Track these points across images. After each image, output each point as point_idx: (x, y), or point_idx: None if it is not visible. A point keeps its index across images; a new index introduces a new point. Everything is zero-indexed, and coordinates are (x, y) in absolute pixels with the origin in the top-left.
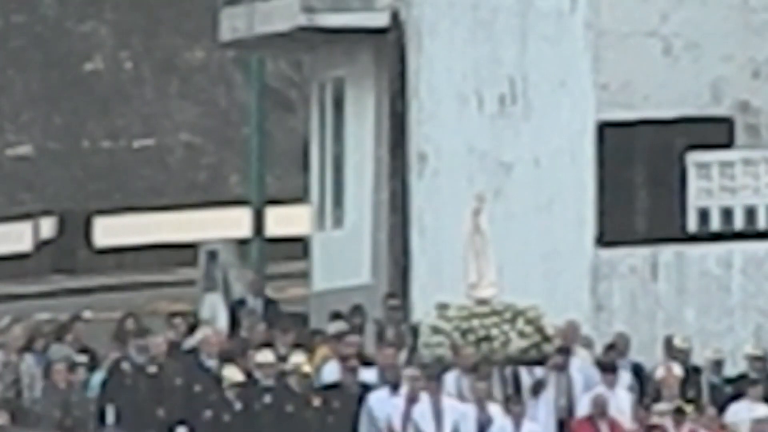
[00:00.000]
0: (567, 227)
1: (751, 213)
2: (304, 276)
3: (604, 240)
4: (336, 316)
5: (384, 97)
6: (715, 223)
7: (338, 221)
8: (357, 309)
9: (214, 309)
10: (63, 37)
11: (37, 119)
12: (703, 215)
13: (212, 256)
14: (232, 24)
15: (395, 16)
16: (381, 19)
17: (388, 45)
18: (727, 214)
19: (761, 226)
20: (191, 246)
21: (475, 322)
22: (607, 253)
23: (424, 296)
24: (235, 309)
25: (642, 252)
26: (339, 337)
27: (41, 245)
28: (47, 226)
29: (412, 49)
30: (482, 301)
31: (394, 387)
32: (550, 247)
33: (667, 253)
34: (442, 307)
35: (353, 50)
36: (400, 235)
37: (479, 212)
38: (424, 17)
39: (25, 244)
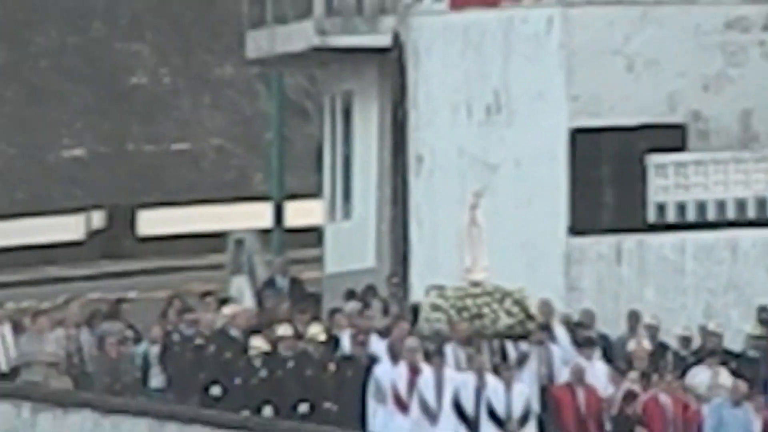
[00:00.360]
0: (543, 219)
1: (702, 207)
2: (318, 261)
3: (575, 230)
4: (351, 295)
5: (386, 107)
6: (671, 216)
7: (347, 214)
8: (370, 288)
9: (241, 289)
10: (110, 56)
11: (89, 126)
12: (661, 209)
13: (239, 243)
14: (256, 44)
15: (396, 38)
16: (384, 40)
17: (391, 62)
18: (682, 208)
19: (711, 218)
20: (221, 235)
21: (469, 302)
22: (577, 241)
23: (421, 278)
24: (263, 289)
25: (608, 240)
26: (357, 313)
27: (92, 234)
28: (97, 218)
29: (411, 65)
30: (475, 284)
31: (395, 357)
32: (529, 236)
33: (629, 241)
34: (440, 287)
35: (360, 67)
36: (400, 226)
37: (476, 207)
38: (421, 38)
39: (79, 234)
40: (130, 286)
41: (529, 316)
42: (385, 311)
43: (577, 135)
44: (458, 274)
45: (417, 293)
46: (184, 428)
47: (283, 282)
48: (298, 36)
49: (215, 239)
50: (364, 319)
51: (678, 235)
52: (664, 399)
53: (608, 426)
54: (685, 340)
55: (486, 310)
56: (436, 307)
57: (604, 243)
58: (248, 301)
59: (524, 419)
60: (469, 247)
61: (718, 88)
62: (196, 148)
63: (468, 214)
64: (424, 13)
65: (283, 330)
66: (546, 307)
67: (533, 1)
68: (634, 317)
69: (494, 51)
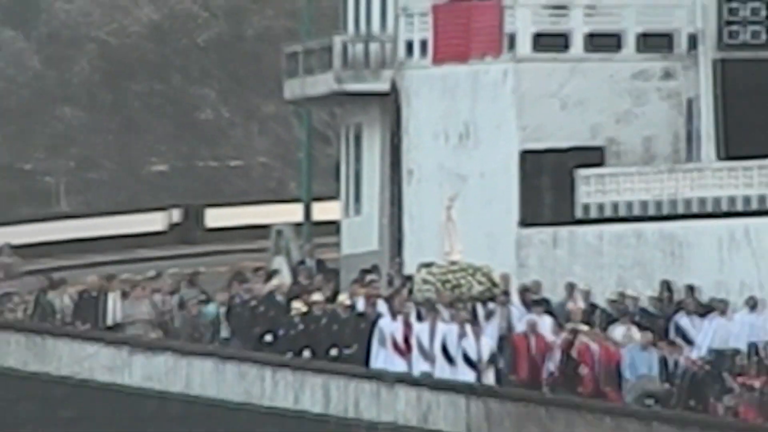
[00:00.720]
0: (501, 215)
1: (615, 206)
2: (336, 245)
3: (523, 223)
4: (365, 271)
5: (386, 134)
6: (593, 213)
7: (358, 211)
8: (375, 267)
9: (280, 266)
10: (185, 98)
11: (169, 148)
12: (586, 208)
13: (279, 233)
14: (291, 89)
15: (393, 85)
16: (384, 87)
17: (389, 102)
18: (601, 207)
19: (621, 214)
20: (265, 227)
21: (450, 276)
22: (526, 231)
23: (412, 257)
24: (297, 266)
25: (547, 230)
26: (369, 283)
27: (172, 227)
28: (175, 215)
29: (404, 105)
30: (453, 263)
31: (394, 315)
32: (491, 228)
33: (563, 231)
34: (429, 265)
35: (367, 106)
36: (396, 220)
37: (450, 207)
38: (411, 85)
39: (162, 226)
40: (199, 264)
41: (494, 285)
42: (390, 283)
43: (525, 155)
44: (439, 255)
45: (409, 268)
46: (241, 366)
47: (311, 262)
48: (322, 83)
49: (261, 230)
50: (374, 289)
51: (598, 226)
52: (593, 345)
53: (552, 365)
54: (613, 302)
55: (462, 281)
56: (426, 281)
57: (545, 232)
58: (285, 275)
59: (489, 362)
60: (447, 236)
61: (627, 121)
62: (247, 164)
63: (445, 213)
64: (413, 67)
65: (317, 296)
66: (506, 278)
67: (493, 58)
68: (570, 286)
69: (464, 94)
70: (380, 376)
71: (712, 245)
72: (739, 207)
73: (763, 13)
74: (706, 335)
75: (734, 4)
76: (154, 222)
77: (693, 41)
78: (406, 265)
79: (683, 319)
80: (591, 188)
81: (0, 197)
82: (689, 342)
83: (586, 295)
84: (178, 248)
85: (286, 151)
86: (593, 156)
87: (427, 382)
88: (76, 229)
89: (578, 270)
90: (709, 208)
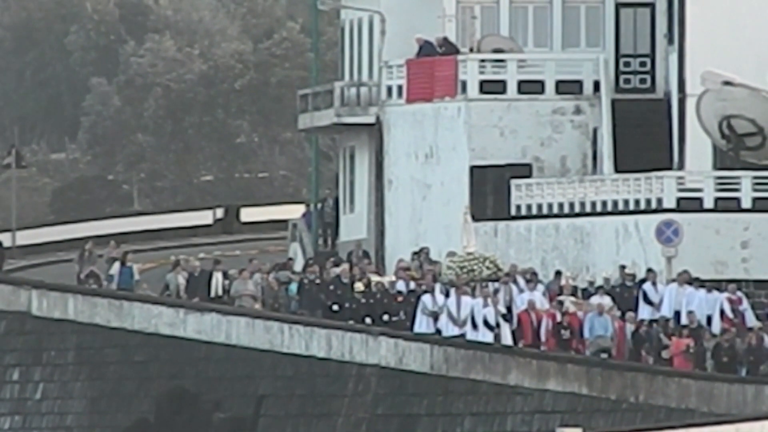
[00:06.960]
0: (456, 213)
1: (540, 207)
2: (336, 234)
3: (473, 218)
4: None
5: (372, 154)
6: (523, 211)
7: (352, 210)
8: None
9: (295, 252)
10: (226, 128)
11: (215, 164)
12: (518, 207)
13: (294, 226)
14: (304, 121)
15: (378, 118)
16: (371, 119)
17: (375, 130)
18: (529, 207)
19: (544, 212)
20: (284, 221)
21: (466, 263)
22: (474, 224)
23: (392, 245)
24: (350, 257)
25: (491, 224)
26: (407, 269)
27: (216, 221)
28: (219, 212)
29: (386, 133)
30: (470, 253)
31: (426, 292)
32: (449, 222)
33: (502, 224)
34: (452, 254)
35: (359, 133)
36: (380, 217)
37: (467, 214)
38: (391, 118)
39: (209, 220)
40: (235, 249)
41: (499, 270)
42: (420, 267)
43: (473, 169)
44: (411, 243)
45: (390, 254)
46: (266, 322)
47: (359, 251)
48: (326, 117)
49: (282, 223)
50: (405, 272)
51: (527, 221)
52: (578, 312)
53: (543, 329)
54: (591, 283)
55: (475, 267)
56: (449, 267)
57: (488, 225)
58: (300, 258)
59: (498, 325)
60: (465, 234)
61: (548, 145)
62: (271, 175)
63: (462, 218)
64: (392, 105)
65: (375, 278)
66: (512, 266)
67: (450, 99)
68: (558, 273)
69: (429, 125)
70: (367, 330)
71: (610, 235)
72: (630, 207)
73: (648, 66)
74: (669, 298)
75: (627, 59)
76: (204, 217)
77: (597, 86)
78: (387, 250)
79: (648, 287)
80: (522, 193)
81: (91, 200)
82: (652, 304)
83: (570, 279)
84: (220, 237)
85: (300, 166)
86: (523, 170)
87: (400, 335)
88: (146, 223)
89: (512, 253)
90: (608, 208)
